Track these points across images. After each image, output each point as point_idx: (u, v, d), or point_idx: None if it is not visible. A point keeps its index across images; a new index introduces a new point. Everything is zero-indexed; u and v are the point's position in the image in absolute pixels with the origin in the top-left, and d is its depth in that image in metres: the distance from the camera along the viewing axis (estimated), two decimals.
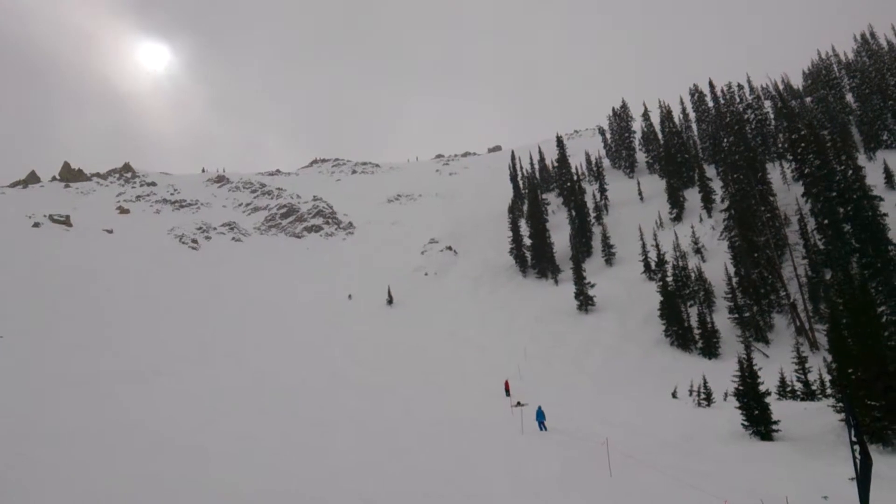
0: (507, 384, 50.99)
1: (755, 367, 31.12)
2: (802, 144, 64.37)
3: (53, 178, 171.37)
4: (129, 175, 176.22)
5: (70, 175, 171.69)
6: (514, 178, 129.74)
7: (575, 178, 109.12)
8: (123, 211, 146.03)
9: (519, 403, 43.72)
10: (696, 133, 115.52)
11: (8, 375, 52.13)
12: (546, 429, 34.70)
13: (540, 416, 35.29)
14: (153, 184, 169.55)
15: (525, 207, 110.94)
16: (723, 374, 43.05)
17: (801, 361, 40.44)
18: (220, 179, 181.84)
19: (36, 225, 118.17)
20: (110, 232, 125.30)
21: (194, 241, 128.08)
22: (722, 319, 60.77)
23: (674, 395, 44.38)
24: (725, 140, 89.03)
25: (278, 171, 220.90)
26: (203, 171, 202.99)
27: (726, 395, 39.49)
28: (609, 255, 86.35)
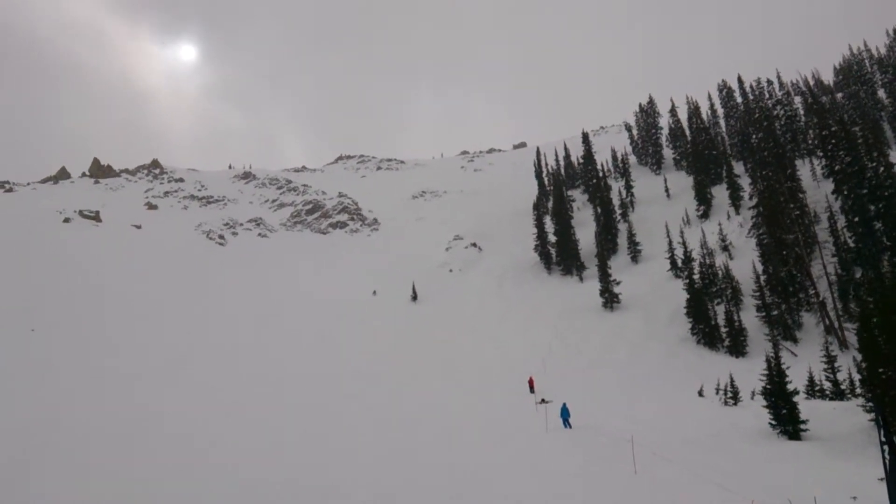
0: (531, 381, 51.00)
1: (783, 366, 30.84)
2: (833, 141, 63.41)
3: (83, 175, 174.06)
4: (157, 171, 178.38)
5: (99, 171, 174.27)
6: (539, 175, 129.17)
7: (601, 174, 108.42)
8: (151, 207, 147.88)
9: (543, 400, 43.75)
10: (724, 129, 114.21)
11: (39, 367, 53.32)
12: (571, 426, 34.68)
13: (565, 413, 35.27)
14: (181, 180, 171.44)
15: (550, 204, 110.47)
16: (750, 372, 42.66)
17: (831, 360, 39.94)
18: (247, 176, 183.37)
19: (66, 220, 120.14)
20: (139, 227, 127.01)
21: (221, 236, 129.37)
22: (749, 318, 60.13)
23: (700, 394, 44.06)
24: (754, 136, 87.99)
25: (304, 167, 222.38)
26: (230, 167, 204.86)
27: (753, 393, 39.13)
28: (635, 253, 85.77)
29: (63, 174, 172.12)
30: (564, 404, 36.00)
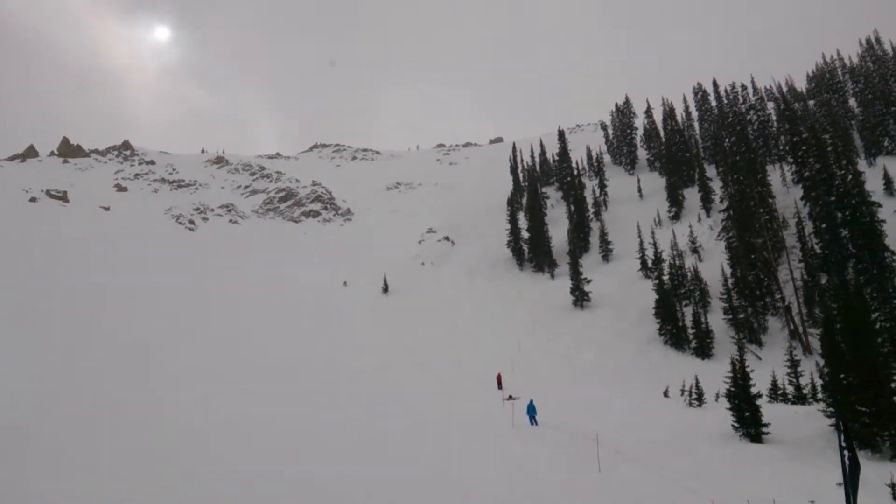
0: (499, 377, 51.10)
1: (747, 369, 31.17)
2: (803, 147, 64.40)
3: (52, 154, 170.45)
4: (128, 153, 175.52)
5: (69, 151, 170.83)
6: (514, 171, 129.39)
7: (575, 172, 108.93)
8: (121, 189, 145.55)
9: (511, 397, 43.83)
10: (697, 132, 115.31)
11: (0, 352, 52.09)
12: (537, 423, 34.79)
13: (531, 410, 35.37)
14: (152, 162, 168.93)
15: (524, 200, 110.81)
16: (715, 374, 43.10)
17: (794, 365, 40.54)
18: (220, 161, 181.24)
19: (33, 200, 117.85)
20: (107, 209, 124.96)
21: (191, 221, 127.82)
22: (716, 320, 60.90)
23: (665, 394, 44.48)
24: (727, 140, 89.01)
25: (278, 154, 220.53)
26: (203, 151, 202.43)
27: (718, 395, 39.58)
28: (606, 252, 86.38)
29: (31, 152, 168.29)
30: (531, 401, 36.11)
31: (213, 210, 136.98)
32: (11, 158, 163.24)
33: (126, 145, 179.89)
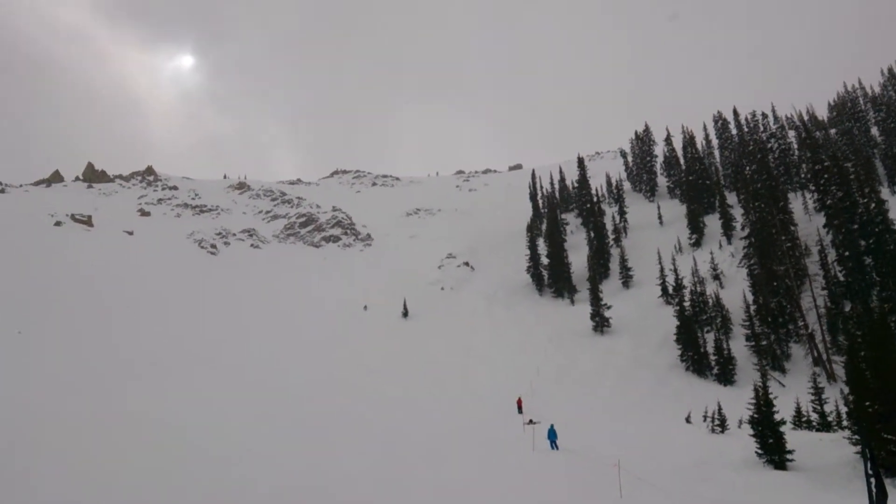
0: (519, 401, 50.96)
1: (771, 396, 30.96)
2: (825, 175, 64.16)
3: (77, 179, 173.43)
4: (151, 178, 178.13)
5: (93, 176, 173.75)
6: (533, 197, 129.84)
7: (595, 199, 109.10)
8: (144, 213, 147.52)
9: (531, 421, 43.70)
10: (718, 160, 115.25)
11: (24, 370, 52.86)
12: (558, 448, 34.66)
13: (552, 435, 35.26)
14: (175, 188, 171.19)
15: (543, 227, 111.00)
16: (738, 401, 42.77)
17: (818, 392, 40.17)
18: (241, 186, 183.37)
19: (58, 224, 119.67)
20: (130, 234, 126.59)
21: (213, 246, 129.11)
22: (738, 347, 60.41)
23: (687, 420, 44.13)
24: (748, 168, 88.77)
25: (299, 180, 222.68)
26: (225, 177, 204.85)
27: (741, 422, 39.24)
28: (626, 278, 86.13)
29: (56, 177, 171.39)
30: (552, 426, 36.00)
31: (234, 235, 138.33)
32: (37, 183, 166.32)
33: (149, 171, 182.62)
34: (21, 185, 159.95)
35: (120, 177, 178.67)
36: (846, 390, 35.77)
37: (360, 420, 44.75)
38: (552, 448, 34.71)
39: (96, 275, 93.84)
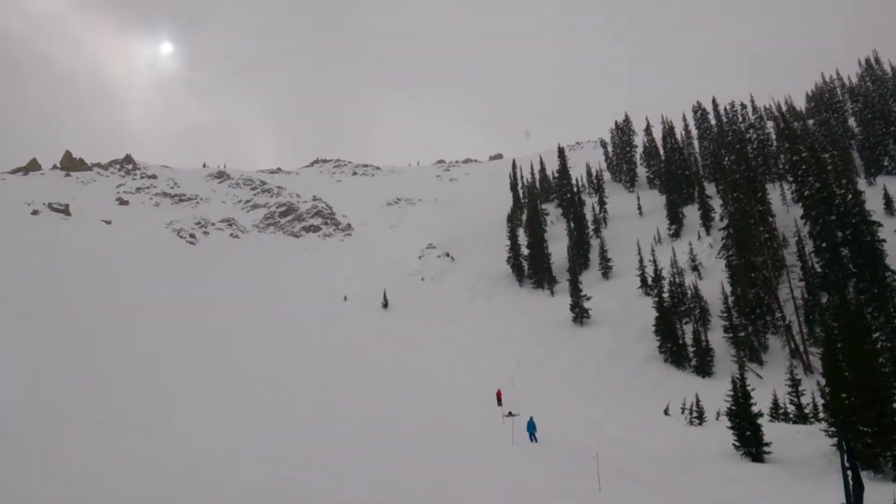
0: (499, 393, 50.97)
1: (748, 388, 31.06)
2: (803, 166, 64.60)
3: (54, 167, 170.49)
4: (129, 167, 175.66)
5: (71, 164, 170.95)
6: (514, 187, 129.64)
7: (575, 189, 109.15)
8: (123, 202, 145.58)
9: (511, 413, 43.66)
10: (697, 150, 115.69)
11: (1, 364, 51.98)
12: (537, 440, 34.64)
13: (531, 427, 35.23)
14: (154, 176, 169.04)
15: (524, 217, 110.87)
16: (716, 392, 43.01)
17: (795, 384, 40.45)
18: (221, 175, 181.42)
19: (35, 213, 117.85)
20: (108, 223, 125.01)
21: (192, 235, 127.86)
22: (717, 338, 60.79)
23: (666, 413, 44.36)
24: (727, 158, 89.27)
25: (279, 169, 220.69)
26: (204, 165, 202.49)
27: (718, 414, 39.46)
28: (606, 269, 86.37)
29: (34, 166, 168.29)
30: (531, 418, 35.98)
31: (213, 224, 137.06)
32: (14, 171, 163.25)
33: (128, 159, 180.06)
34: None
35: (98, 165, 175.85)
36: (823, 382, 36.01)
37: (340, 413, 44.54)
38: (531, 440, 34.69)
39: (73, 265, 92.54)
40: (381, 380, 58.48)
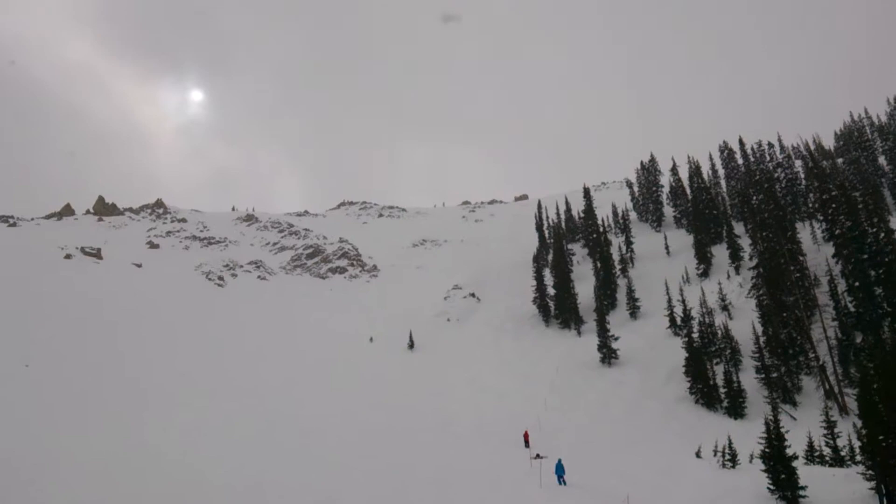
0: (526, 435, 50.34)
1: (782, 430, 30.42)
2: (833, 205, 63.83)
3: (87, 212, 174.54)
4: (160, 211, 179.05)
5: (103, 209, 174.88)
6: (539, 228, 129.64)
7: (601, 229, 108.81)
8: (153, 246, 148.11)
9: (538, 456, 43.08)
10: (724, 189, 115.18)
11: (32, 404, 52.59)
12: (566, 483, 34.08)
13: (560, 470, 34.71)
14: (184, 220, 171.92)
15: (550, 257, 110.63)
16: (748, 435, 42.08)
17: (830, 426, 39.48)
18: (249, 218, 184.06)
19: (68, 257, 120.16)
20: (139, 266, 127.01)
21: (220, 278, 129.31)
22: (748, 379, 59.59)
23: (698, 455, 43.38)
24: (755, 197, 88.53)
25: (306, 211, 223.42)
26: (233, 209, 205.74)
27: (752, 457, 38.54)
28: (634, 309, 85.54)
29: (67, 211, 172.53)
30: (560, 460, 35.47)
31: (241, 266, 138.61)
32: (49, 217, 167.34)
33: (159, 203, 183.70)
34: (32, 219, 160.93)
35: (130, 210, 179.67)
36: (859, 424, 35.08)
37: (364, 454, 44.25)
38: (560, 483, 34.14)
39: (104, 307, 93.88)
40: (408, 421, 58.06)
